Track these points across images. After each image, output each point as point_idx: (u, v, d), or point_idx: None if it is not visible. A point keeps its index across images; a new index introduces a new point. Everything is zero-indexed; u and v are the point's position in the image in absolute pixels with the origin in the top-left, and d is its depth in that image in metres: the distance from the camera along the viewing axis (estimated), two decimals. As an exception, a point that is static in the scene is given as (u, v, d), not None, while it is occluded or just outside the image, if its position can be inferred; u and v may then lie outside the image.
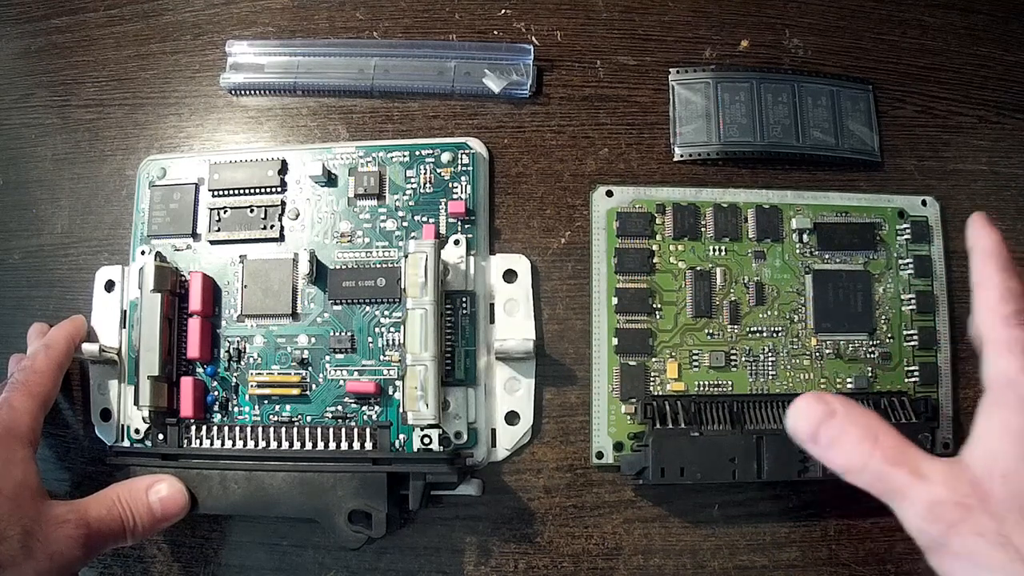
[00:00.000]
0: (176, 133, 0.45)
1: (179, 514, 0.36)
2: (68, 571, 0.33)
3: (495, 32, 0.44)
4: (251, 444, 0.39)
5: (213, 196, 0.42)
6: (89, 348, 0.40)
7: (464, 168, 0.41)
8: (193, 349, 0.40)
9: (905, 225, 0.42)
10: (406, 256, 0.38)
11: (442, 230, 0.41)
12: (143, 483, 0.36)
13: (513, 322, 0.40)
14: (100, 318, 0.42)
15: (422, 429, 0.38)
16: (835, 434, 0.30)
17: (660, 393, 0.40)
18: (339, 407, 0.40)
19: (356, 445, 0.39)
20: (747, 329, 0.41)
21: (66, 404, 0.43)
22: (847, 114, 0.43)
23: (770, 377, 0.40)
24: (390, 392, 0.39)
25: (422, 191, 0.41)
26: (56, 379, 0.38)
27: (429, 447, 0.38)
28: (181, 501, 0.36)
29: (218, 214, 0.42)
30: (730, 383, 0.40)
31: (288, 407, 0.40)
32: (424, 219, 0.41)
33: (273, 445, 0.39)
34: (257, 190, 0.42)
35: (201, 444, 0.39)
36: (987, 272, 0.33)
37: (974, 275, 0.33)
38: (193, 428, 0.40)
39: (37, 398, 0.36)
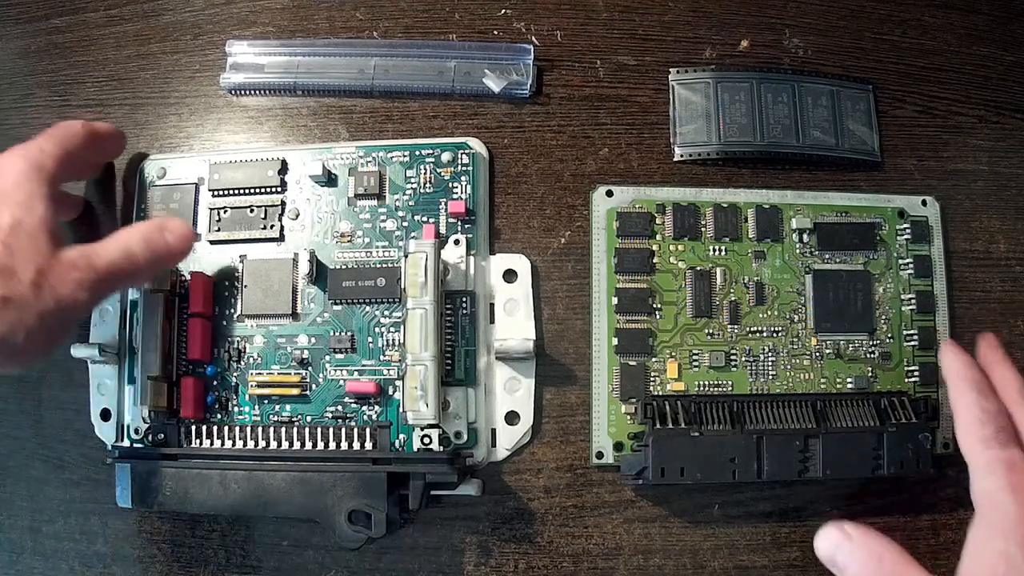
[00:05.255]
0: (176, 133, 0.45)
1: (189, 248, 0.36)
2: (71, 316, 0.33)
3: (495, 32, 0.44)
4: (251, 444, 0.39)
5: (213, 196, 0.42)
6: (89, 348, 0.40)
7: (464, 168, 0.41)
8: (193, 349, 0.40)
9: (905, 225, 0.42)
10: (406, 256, 0.38)
11: (442, 230, 0.41)
12: (155, 223, 0.36)
13: (513, 322, 0.40)
14: (100, 318, 0.42)
15: (422, 429, 0.38)
16: (848, 556, 0.34)
17: (660, 393, 0.40)
18: (339, 407, 0.40)
19: (356, 445, 0.39)
20: (747, 329, 0.41)
21: (66, 404, 0.43)
22: (847, 114, 0.43)
23: (770, 377, 0.40)
24: (390, 392, 0.39)
25: (422, 191, 0.41)
26: (65, 157, 0.37)
27: (429, 447, 0.38)
28: (191, 235, 0.36)
29: (218, 214, 0.42)
30: (730, 383, 0.40)
31: (288, 407, 0.40)
32: (424, 219, 0.41)
33: (273, 445, 0.39)
34: (257, 190, 0.42)
35: (201, 444, 0.39)
36: (962, 396, 0.35)
37: (951, 399, 0.36)
38: (193, 428, 0.40)
39: (64, 146, 0.36)
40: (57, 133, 0.37)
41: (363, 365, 0.40)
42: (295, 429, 0.39)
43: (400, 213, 0.41)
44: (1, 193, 0.33)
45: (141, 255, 0.34)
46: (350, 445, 0.39)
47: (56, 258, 0.32)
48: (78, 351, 0.40)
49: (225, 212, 0.42)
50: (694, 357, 0.40)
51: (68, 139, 0.37)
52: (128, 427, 0.41)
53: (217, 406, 0.40)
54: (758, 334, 0.41)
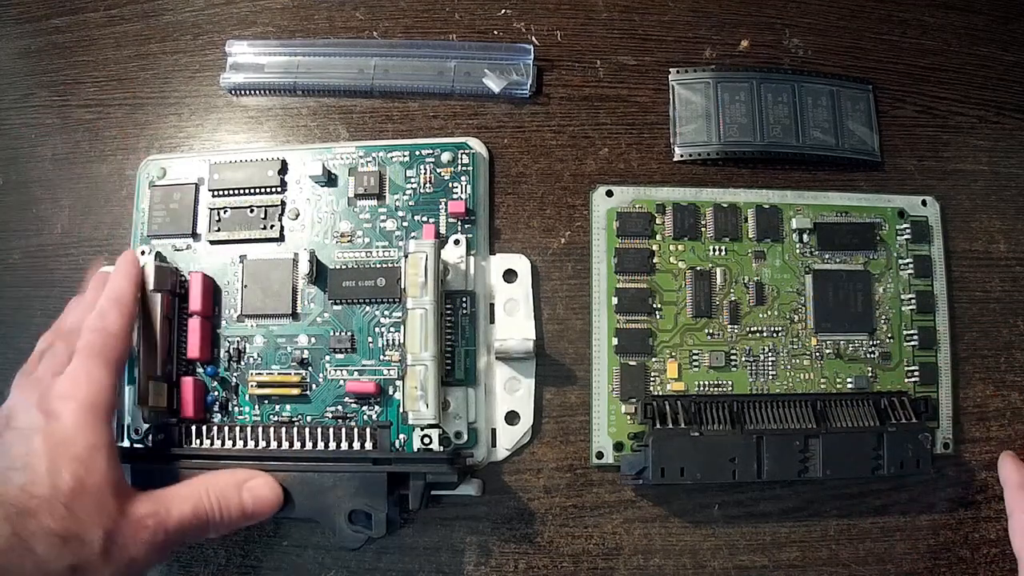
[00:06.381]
0: (176, 133, 0.45)
1: (270, 514, 0.35)
2: (142, 572, 0.32)
3: (495, 32, 0.44)
4: (251, 444, 0.39)
5: (213, 196, 0.42)
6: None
7: (464, 168, 0.41)
8: (193, 349, 0.40)
9: (905, 225, 0.42)
10: (406, 256, 0.38)
11: (442, 230, 0.41)
12: (237, 478, 0.35)
13: (513, 322, 0.40)
14: (100, 318, 0.42)
15: (422, 429, 0.38)
16: None
17: (660, 393, 0.40)
18: (339, 407, 0.40)
19: (356, 445, 0.39)
20: (747, 329, 0.41)
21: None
22: (847, 114, 0.43)
23: (770, 377, 0.40)
24: (390, 392, 0.39)
25: (422, 191, 0.41)
26: (131, 338, 0.36)
27: (429, 447, 0.38)
28: (275, 502, 0.35)
29: (218, 214, 0.42)
30: (730, 383, 0.40)
31: (288, 407, 0.40)
32: (424, 219, 0.41)
33: (273, 445, 0.39)
34: (257, 190, 0.42)
35: (201, 444, 0.39)
36: (1019, 501, 0.38)
37: (1008, 504, 0.39)
38: (193, 428, 0.40)
39: (114, 364, 0.34)
40: (103, 344, 0.34)
41: (363, 365, 0.40)
42: (295, 429, 0.39)
43: (400, 213, 0.41)
44: (58, 445, 0.31)
45: (211, 517, 0.33)
46: (350, 445, 0.39)
47: (125, 517, 0.31)
48: None
49: (225, 212, 0.42)
50: (694, 357, 0.40)
51: (117, 346, 0.34)
52: (128, 427, 0.41)
53: (217, 406, 0.40)
54: (758, 334, 0.41)
